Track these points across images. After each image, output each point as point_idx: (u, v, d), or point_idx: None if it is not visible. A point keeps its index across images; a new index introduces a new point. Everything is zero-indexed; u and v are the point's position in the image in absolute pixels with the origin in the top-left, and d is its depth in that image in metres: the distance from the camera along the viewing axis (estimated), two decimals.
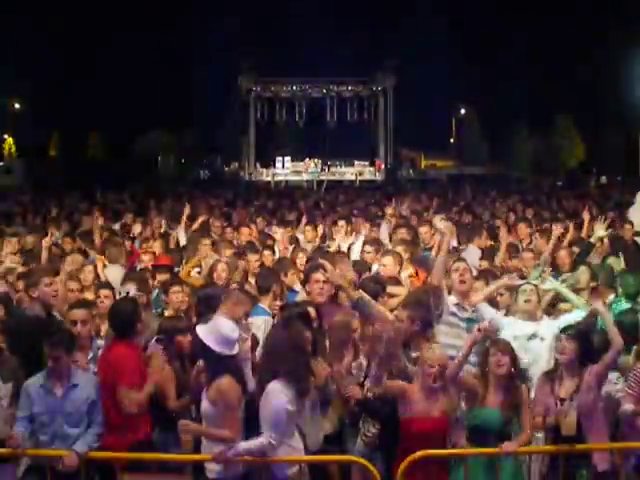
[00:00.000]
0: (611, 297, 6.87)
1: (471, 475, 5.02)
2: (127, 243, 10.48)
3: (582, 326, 5.71)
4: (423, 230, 9.81)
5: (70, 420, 5.01)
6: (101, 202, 17.98)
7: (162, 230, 11.55)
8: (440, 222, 8.41)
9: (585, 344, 5.34)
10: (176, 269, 8.69)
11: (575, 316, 6.23)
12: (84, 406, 5.07)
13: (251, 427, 4.95)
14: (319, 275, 6.48)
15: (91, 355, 5.92)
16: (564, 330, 5.46)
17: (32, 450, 4.92)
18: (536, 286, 6.48)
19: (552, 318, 6.40)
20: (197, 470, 5.05)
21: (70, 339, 5.28)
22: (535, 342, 6.09)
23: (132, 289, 6.97)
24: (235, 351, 4.91)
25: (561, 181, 36.93)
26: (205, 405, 4.91)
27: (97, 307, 6.53)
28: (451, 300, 6.52)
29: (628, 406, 5.15)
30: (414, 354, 5.57)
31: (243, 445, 4.76)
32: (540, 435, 5.51)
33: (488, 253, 9.14)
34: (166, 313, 6.83)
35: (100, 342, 6.14)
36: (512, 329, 6.14)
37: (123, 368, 5.30)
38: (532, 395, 5.49)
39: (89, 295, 7.11)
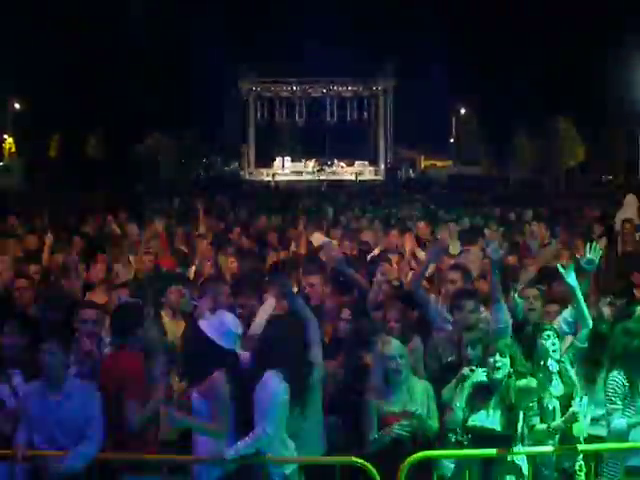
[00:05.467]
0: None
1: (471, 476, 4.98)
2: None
3: None
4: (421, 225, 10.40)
5: (63, 428, 4.83)
6: (101, 202, 17.97)
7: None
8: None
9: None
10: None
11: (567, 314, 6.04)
12: (79, 417, 4.81)
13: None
14: (312, 278, 6.43)
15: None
16: None
17: (30, 451, 4.88)
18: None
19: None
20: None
21: (66, 344, 5.03)
22: None
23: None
24: (236, 347, 4.86)
25: (561, 181, 36.92)
26: (196, 398, 4.81)
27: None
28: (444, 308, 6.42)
29: (621, 421, 4.96)
30: None
31: (240, 444, 4.67)
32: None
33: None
34: (163, 314, 6.67)
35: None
36: None
37: (130, 380, 5.00)
38: None
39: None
